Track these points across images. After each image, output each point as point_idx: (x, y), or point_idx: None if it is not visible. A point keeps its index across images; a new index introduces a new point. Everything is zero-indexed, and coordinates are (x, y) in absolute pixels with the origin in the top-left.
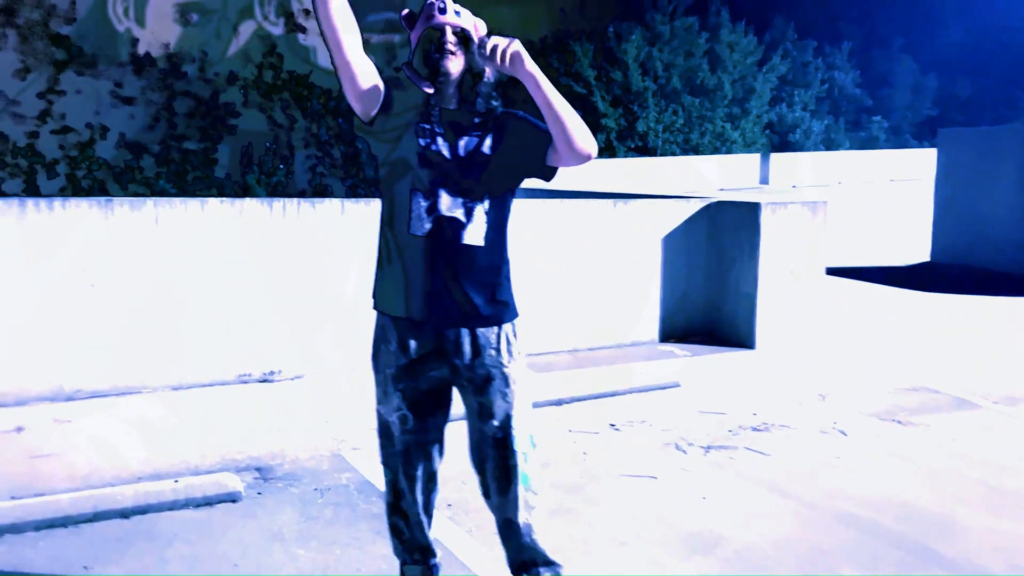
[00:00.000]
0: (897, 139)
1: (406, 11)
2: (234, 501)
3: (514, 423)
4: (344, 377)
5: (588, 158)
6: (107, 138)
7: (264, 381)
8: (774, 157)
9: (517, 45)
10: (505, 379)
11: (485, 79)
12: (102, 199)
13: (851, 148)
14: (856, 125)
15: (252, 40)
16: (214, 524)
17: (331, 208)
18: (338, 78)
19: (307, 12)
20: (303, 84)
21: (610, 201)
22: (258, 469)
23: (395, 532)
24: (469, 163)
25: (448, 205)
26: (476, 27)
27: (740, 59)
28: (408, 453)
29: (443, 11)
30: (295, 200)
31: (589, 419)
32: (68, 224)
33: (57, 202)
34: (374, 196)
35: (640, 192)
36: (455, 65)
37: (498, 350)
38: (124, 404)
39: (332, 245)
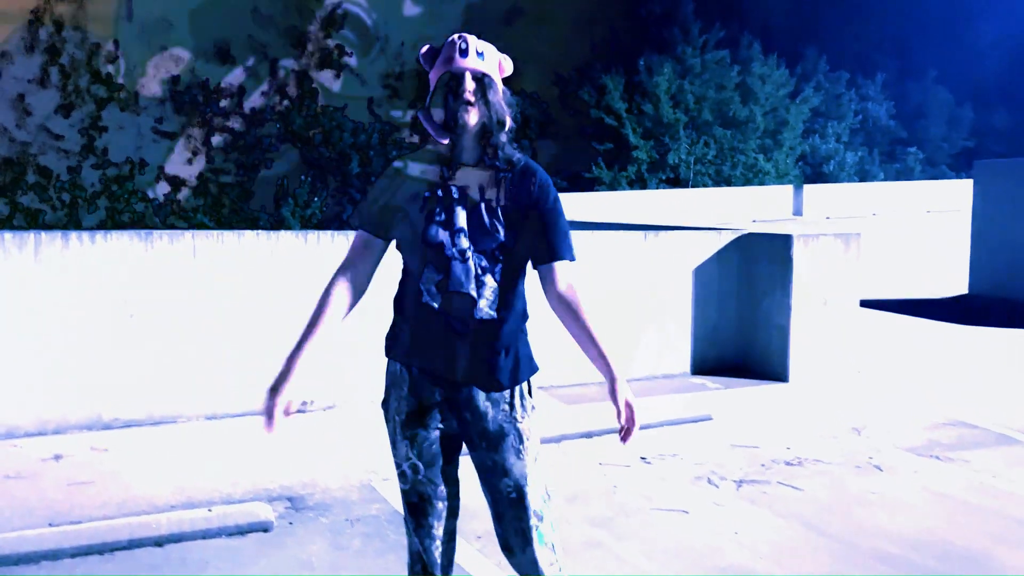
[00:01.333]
0: (932, 170)
1: (426, 47)
2: (266, 531)
3: (528, 482)
4: (375, 408)
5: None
6: (146, 172)
7: (296, 411)
8: (807, 188)
9: (635, 431)
10: (519, 435)
11: (506, 129)
12: (142, 232)
13: (886, 179)
14: (891, 157)
15: (288, 77)
16: (246, 553)
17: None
18: None
19: (340, 48)
20: (335, 120)
21: (641, 233)
22: (289, 499)
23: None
24: (484, 234)
25: (459, 280)
26: (501, 67)
27: (772, 91)
28: (421, 505)
29: (464, 53)
30: (329, 232)
31: (620, 452)
32: (109, 256)
33: (99, 235)
34: None
35: (671, 224)
36: (473, 116)
37: (512, 405)
38: (159, 433)
39: None
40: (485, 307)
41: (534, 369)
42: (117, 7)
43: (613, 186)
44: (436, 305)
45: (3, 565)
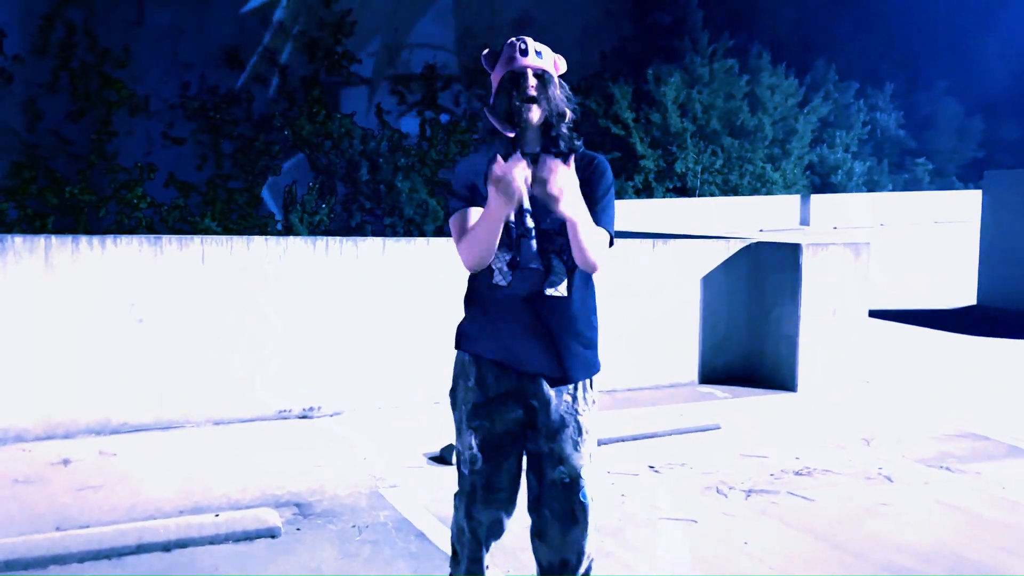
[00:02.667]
0: (941, 181)
1: (487, 50)
2: (273, 536)
3: (583, 472)
4: (383, 415)
5: (593, 270)
6: (155, 177)
7: (303, 417)
8: (815, 198)
9: (565, 185)
10: (579, 428)
11: (565, 122)
12: (151, 237)
13: (894, 190)
14: (899, 167)
15: (296, 82)
16: (253, 559)
17: (373, 247)
18: (466, 263)
19: (346, 55)
20: (344, 126)
21: (649, 241)
22: (297, 505)
23: (454, 560)
24: (547, 212)
25: (528, 257)
26: (556, 65)
27: (781, 101)
28: (474, 495)
29: (524, 52)
30: (338, 239)
31: (628, 461)
32: (118, 261)
33: (109, 239)
34: (413, 235)
35: (679, 232)
36: (536, 109)
37: (575, 397)
38: (168, 438)
39: (373, 283)
40: (554, 282)
41: (598, 368)
42: (128, 12)
43: (620, 195)
44: (506, 283)
45: (12, 569)
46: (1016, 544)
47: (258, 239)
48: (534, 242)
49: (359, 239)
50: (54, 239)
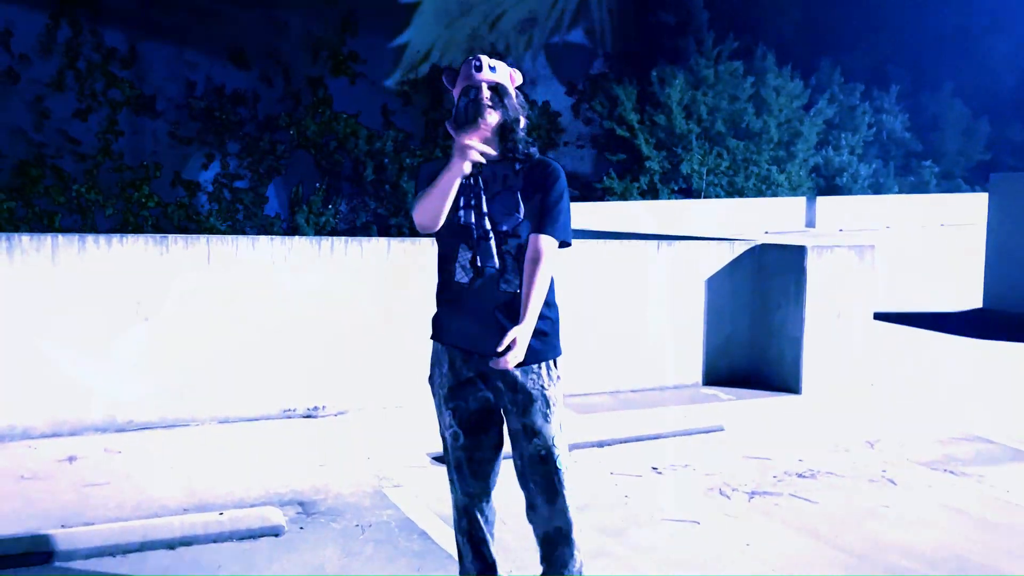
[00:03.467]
0: (948, 183)
1: (447, 69)
2: (277, 535)
3: (556, 442)
4: (387, 414)
5: None
6: (161, 176)
7: (308, 416)
8: (820, 200)
9: (522, 344)
10: (546, 401)
11: (519, 129)
12: (158, 236)
13: (900, 192)
14: (905, 169)
15: (302, 83)
16: (257, 557)
17: (378, 247)
18: (417, 219)
19: (354, 56)
20: (349, 126)
21: (654, 242)
22: (301, 504)
23: (458, 555)
24: (504, 215)
25: (486, 257)
26: (512, 77)
27: (786, 102)
28: (461, 468)
29: (479, 68)
30: (343, 239)
31: (631, 462)
32: (125, 259)
33: (115, 238)
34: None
35: (684, 234)
36: (492, 118)
37: (539, 375)
38: (173, 436)
39: (378, 283)
40: (509, 280)
41: (558, 352)
42: (134, 11)
43: (624, 196)
44: (467, 280)
45: (18, 566)
46: (1019, 547)
47: (264, 239)
48: (492, 243)
49: (364, 239)
50: (61, 237)
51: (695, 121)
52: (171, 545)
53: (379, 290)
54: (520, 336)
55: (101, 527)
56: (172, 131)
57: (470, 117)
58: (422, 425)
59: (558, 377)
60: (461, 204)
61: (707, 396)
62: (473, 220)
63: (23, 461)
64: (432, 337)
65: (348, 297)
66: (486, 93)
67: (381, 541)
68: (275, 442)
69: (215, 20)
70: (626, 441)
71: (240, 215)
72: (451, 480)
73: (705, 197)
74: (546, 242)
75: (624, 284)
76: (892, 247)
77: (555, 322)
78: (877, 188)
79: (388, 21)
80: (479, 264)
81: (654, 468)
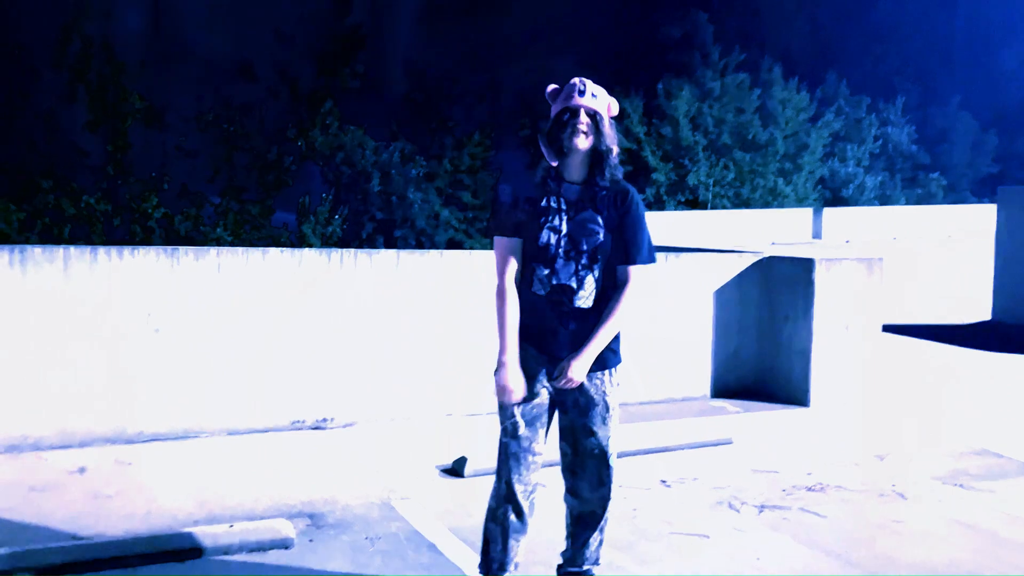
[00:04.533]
0: (955, 196)
1: (552, 87)
2: (286, 547)
3: (610, 443)
4: (395, 426)
5: None
6: (168, 188)
7: (317, 428)
8: (827, 212)
9: (577, 377)
10: (607, 406)
11: (612, 157)
12: (168, 248)
13: (907, 204)
14: (913, 182)
15: (309, 96)
16: (267, 569)
17: (387, 258)
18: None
19: (361, 70)
20: (356, 138)
21: (661, 255)
22: (310, 516)
23: (485, 544)
24: (583, 236)
25: (562, 275)
26: (610, 107)
27: (792, 115)
28: (519, 457)
29: (582, 93)
30: (352, 250)
31: (639, 475)
32: (136, 271)
33: (126, 250)
34: (426, 247)
35: (691, 246)
36: (583, 143)
37: (603, 380)
38: (183, 448)
39: (386, 294)
40: (584, 297)
41: (619, 361)
42: (144, 25)
43: None
44: (543, 293)
45: None
46: None
47: (273, 251)
48: (571, 262)
49: (373, 251)
50: (72, 249)
51: (701, 133)
52: (181, 557)
53: (388, 302)
54: (575, 367)
55: (112, 539)
56: (180, 144)
57: (563, 139)
58: (431, 438)
59: (618, 384)
60: (542, 223)
61: (715, 409)
62: (552, 240)
63: (34, 472)
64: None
65: (357, 309)
66: (584, 119)
67: (390, 553)
68: (284, 454)
69: (223, 33)
70: (634, 454)
71: (248, 226)
72: (502, 469)
73: (712, 209)
74: (635, 272)
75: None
76: (900, 259)
77: (618, 335)
78: (884, 200)
79: (396, 32)
80: (555, 282)
81: (663, 481)
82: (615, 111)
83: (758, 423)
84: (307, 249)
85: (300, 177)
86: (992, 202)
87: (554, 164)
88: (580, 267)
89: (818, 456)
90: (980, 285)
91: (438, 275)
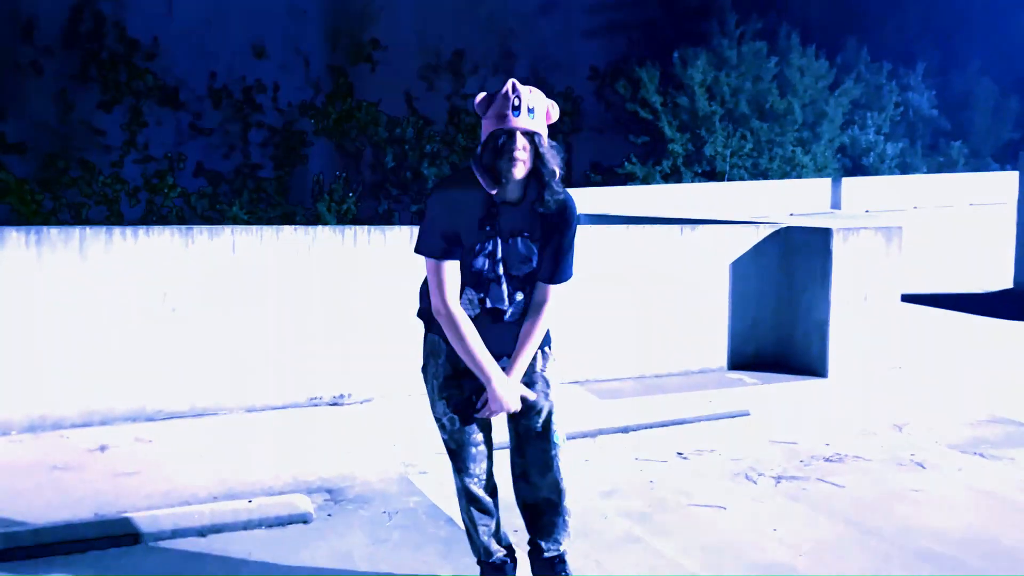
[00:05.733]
0: (977, 162)
1: (481, 96)
2: (305, 522)
3: (554, 419)
4: (412, 401)
5: None
6: (185, 167)
7: (334, 404)
8: (846, 181)
9: (512, 405)
10: (545, 381)
11: (554, 181)
12: (183, 227)
13: (928, 172)
14: (933, 149)
15: (323, 71)
16: (286, 544)
17: (400, 235)
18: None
19: (375, 42)
20: (370, 114)
21: (677, 226)
22: (328, 491)
23: (467, 531)
24: (519, 263)
25: (495, 299)
26: (549, 114)
27: (811, 83)
28: (460, 452)
29: (517, 111)
30: (365, 227)
31: (656, 447)
32: (151, 251)
33: (141, 230)
34: None
35: (708, 217)
36: (520, 170)
37: (535, 358)
38: (201, 425)
39: (401, 271)
40: (513, 314)
41: (548, 339)
42: (157, 2)
43: (647, 180)
44: (473, 314)
45: (53, 554)
46: None
47: (287, 228)
48: (504, 287)
49: (387, 228)
50: (88, 230)
51: (718, 102)
52: (201, 532)
53: (402, 277)
54: (508, 392)
55: (133, 515)
56: (194, 122)
57: (500, 170)
58: None
59: (553, 358)
60: (476, 249)
61: (732, 380)
62: (486, 267)
63: (55, 451)
64: (428, 330)
65: (372, 286)
66: (520, 144)
67: (408, 527)
68: (302, 430)
69: (237, 10)
70: (651, 426)
71: (263, 204)
72: (456, 474)
73: (729, 180)
74: (554, 291)
75: (648, 269)
76: (920, 228)
77: (548, 337)
78: (904, 168)
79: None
80: (488, 305)
81: (679, 453)
82: (555, 117)
83: (775, 394)
84: (321, 227)
85: (315, 155)
86: (1014, 168)
87: (492, 192)
88: (512, 290)
89: (836, 426)
90: (1001, 253)
91: None
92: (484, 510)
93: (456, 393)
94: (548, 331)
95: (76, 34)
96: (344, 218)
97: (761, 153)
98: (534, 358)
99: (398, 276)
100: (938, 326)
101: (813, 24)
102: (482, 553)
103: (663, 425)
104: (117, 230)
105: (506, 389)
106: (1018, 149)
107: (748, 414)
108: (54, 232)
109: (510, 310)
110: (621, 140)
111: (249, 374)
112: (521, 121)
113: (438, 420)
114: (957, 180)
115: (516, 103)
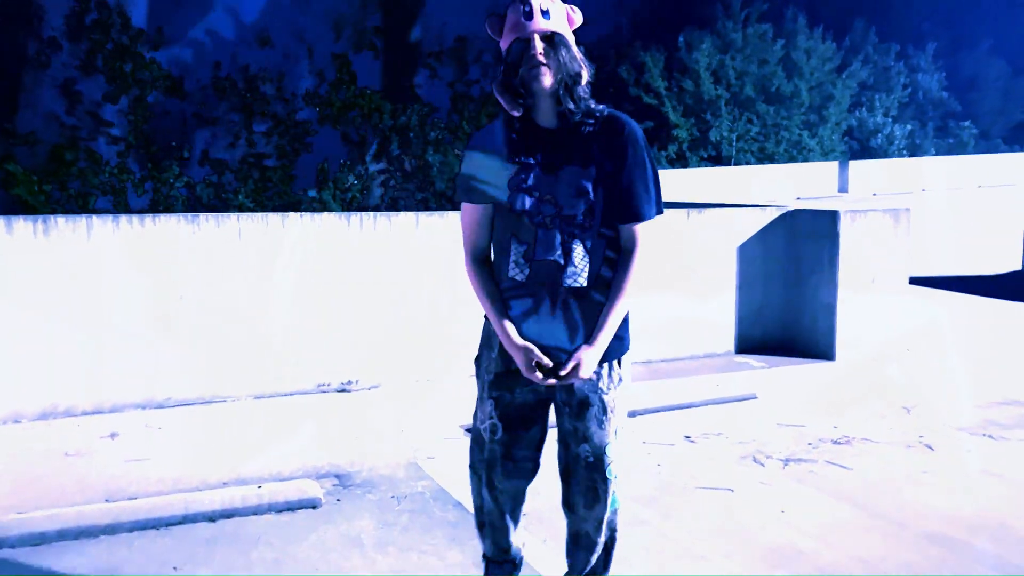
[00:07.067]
0: (986, 144)
1: (490, 16)
2: (314, 507)
3: (609, 450)
4: (419, 387)
5: None
6: (190, 156)
7: (342, 391)
8: (853, 164)
9: (587, 370)
10: (603, 406)
11: (581, 85)
12: (189, 215)
13: (937, 154)
14: (943, 131)
15: (326, 59)
16: (296, 529)
17: (406, 221)
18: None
19: (377, 29)
20: (374, 101)
21: (684, 210)
22: (337, 476)
23: (480, 530)
24: (571, 196)
25: (545, 248)
26: (570, 18)
27: (818, 65)
28: (494, 464)
29: (529, 15)
30: (371, 214)
31: (664, 431)
32: (158, 239)
33: (148, 218)
34: (446, 209)
35: (714, 202)
36: (548, 78)
37: (599, 375)
38: (210, 412)
39: (407, 257)
40: (574, 274)
41: (625, 349)
42: None
43: None
44: (523, 278)
45: (65, 539)
46: None
47: (293, 215)
48: (553, 231)
49: (392, 214)
50: (95, 219)
51: (724, 86)
52: (212, 518)
53: (408, 263)
54: (587, 360)
55: (144, 501)
56: (198, 111)
57: (520, 81)
58: (454, 398)
59: (620, 379)
60: (515, 184)
61: (739, 364)
62: (529, 206)
63: (67, 438)
64: (486, 316)
65: (378, 272)
66: (539, 47)
67: (416, 512)
68: (310, 416)
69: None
70: (658, 410)
71: (268, 193)
72: (476, 479)
73: (735, 164)
74: (642, 231)
75: (655, 252)
76: (928, 210)
77: (626, 316)
78: (913, 150)
79: None
80: (537, 258)
81: (687, 437)
82: (578, 21)
83: (783, 377)
84: (327, 213)
85: (319, 143)
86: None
87: (516, 114)
88: (566, 236)
89: (844, 409)
90: (1011, 235)
91: (457, 236)
92: (505, 531)
93: (507, 396)
94: (626, 341)
95: (82, 25)
96: (349, 206)
97: (768, 137)
98: (597, 373)
99: (404, 262)
100: (946, 308)
101: (819, 5)
102: (492, 552)
103: (670, 409)
104: (124, 217)
105: (521, 347)
106: None
107: (755, 397)
108: (61, 220)
109: (570, 269)
110: None
111: (257, 361)
112: (537, 23)
113: (478, 425)
114: (966, 162)
115: (527, 8)
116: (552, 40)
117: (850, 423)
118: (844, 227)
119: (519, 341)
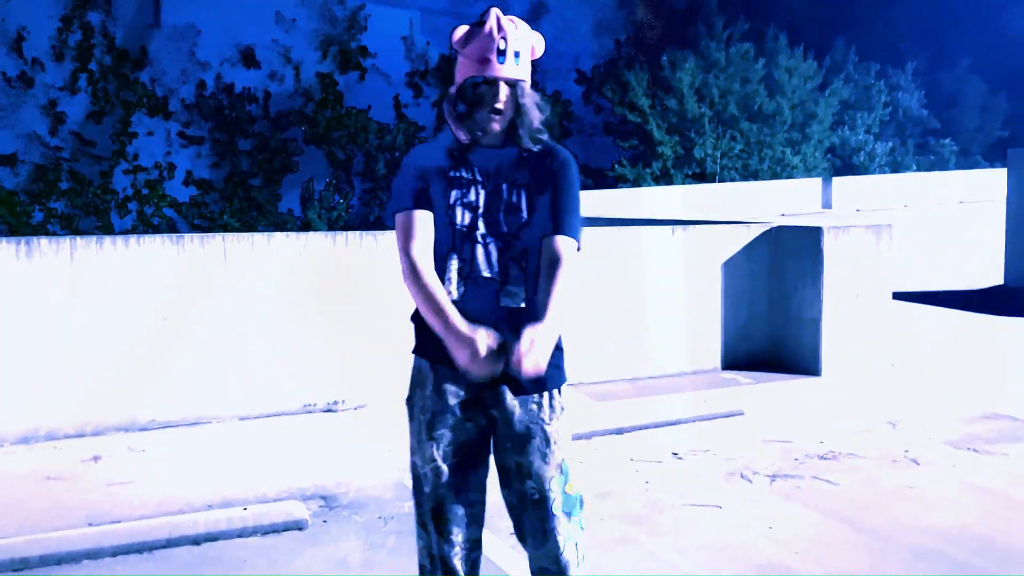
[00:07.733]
0: (966, 160)
1: (462, 30)
2: (300, 529)
3: (552, 484)
4: (405, 407)
5: None
6: (175, 176)
7: (328, 411)
8: (836, 181)
9: (543, 350)
10: (546, 438)
11: (531, 122)
12: (174, 235)
13: (918, 171)
14: (924, 148)
15: (312, 79)
16: (281, 551)
17: (392, 240)
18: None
19: (364, 50)
20: (359, 121)
21: (669, 228)
22: (323, 497)
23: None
24: (507, 214)
25: (482, 265)
26: (533, 51)
27: (799, 84)
28: (442, 511)
29: (503, 57)
30: (357, 233)
31: (651, 448)
32: (142, 259)
33: (132, 239)
34: None
35: (699, 218)
36: (502, 122)
37: (540, 406)
38: (195, 434)
39: (393, 276)
40: (511, 293)
41: (563, 379)
42: (145, 13)
43: (637, 183)
44: (457, 296)
45: (46, 564)
46: None
47: (279, 235)
48: (491, 248)
49: (378, 232)
50: (79, 240)
51: (707, 104)
52: (196, 541)
53: (395, 282)
54: (540, 337)
55: (127, 525)
56: (183, 131)
57: (477, 121)
58: None
59: (561, 408)
60: (453, 200)
61: (726, 380)
62: (467, 220)
63: (48, 462)
64: (414, 351)
65: (364, 291)
66: (503, 95)
67: (404, 533)
68: (296, 437)
69: (225, 18)
70: (645, 427)
71: (253, 212)
72: (422, 528)
73: (720, 181)
74: (565, 244)
75: (640, 270)
76: (910, 226)
77: (560, 345)
78: (895, 167)
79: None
80: (473, 275)
81: (674, 454)
82: (540, 51)
83: (769, 393)
84: (312, 233)
85: (305, 163)
86: (1003, 166)
87: (464, 140)
88: (501, 255)
89: (830, 425)
90: (992, 250)
91: None
92: None
93: (448, 435)
94: (560, 374)
95: (65, 45)
96: (335, 225)
97: (751, 154)
98: (538, 403)
99: (390, 280)
100: (930, 323)
101: (800, 25)
102: None
103: (657, 426)
104: (108, 239)
105: (475, 338)
106: (1007, 147)
107: (742, 414)
108: (44, 241)
109: (507, 287)
110: (610, 143)
111: (242, 382)
112: (506, 69)
113: (419, 472)
114: (947, 178)
115: (502, 46)
116: (515, 88)
117: (836, 438)
118: (828, 243)
119: (467, 332)
